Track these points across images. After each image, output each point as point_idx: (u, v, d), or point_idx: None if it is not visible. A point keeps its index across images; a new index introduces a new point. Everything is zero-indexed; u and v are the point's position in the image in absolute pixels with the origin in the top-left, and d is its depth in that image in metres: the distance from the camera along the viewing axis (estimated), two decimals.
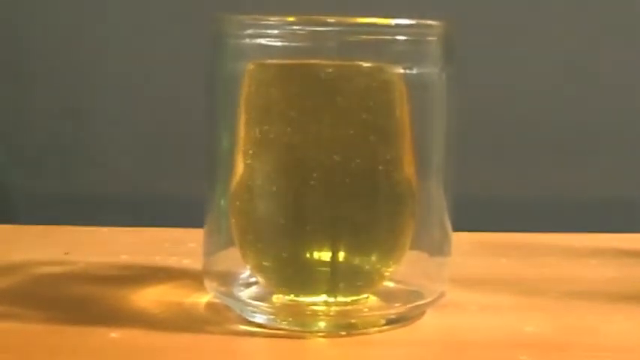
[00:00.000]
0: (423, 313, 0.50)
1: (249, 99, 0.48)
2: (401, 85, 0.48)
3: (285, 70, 0.48)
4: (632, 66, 0.77)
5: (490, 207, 0.75)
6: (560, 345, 0.47)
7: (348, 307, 0.49)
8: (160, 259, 0.60)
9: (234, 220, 0.49)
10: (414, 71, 0.48)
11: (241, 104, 0.48)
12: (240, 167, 0.48)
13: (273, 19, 0.48)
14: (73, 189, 0.77)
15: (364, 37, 0.47)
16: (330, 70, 0.47)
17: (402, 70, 0.48)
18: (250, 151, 0.48)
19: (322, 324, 0.48)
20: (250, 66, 0.48)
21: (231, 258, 0.50)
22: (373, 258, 0.48)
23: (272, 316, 0.48)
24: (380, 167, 0.48)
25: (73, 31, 0.76)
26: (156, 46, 0.75)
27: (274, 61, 0.48)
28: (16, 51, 0.77)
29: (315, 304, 0.48)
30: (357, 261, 0.48)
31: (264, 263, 0.48)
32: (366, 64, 0.48)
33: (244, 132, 0.48)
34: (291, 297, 0.49)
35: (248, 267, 0.50)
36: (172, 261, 0.60)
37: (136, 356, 0.45)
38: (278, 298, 0.49)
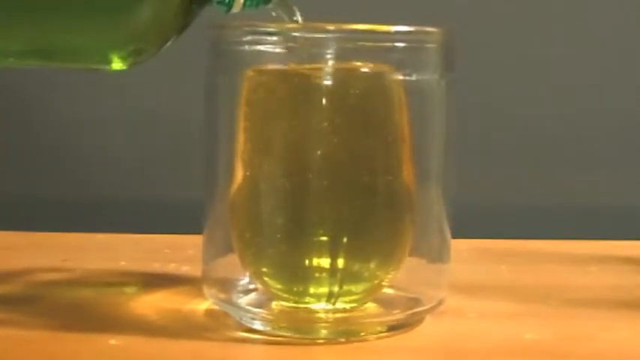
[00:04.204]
0: (422, 320, 0.50)
1: (248, 105, 0.48)
2: (400, 91, 0.48)
3: (284, 77, 0.48)
4: (635, 71, 0.77)
5: (489, 214, 0.75)
6: (560, 352, 0.47)
7: (348, 314, 0.49)
8: (158, 266, 0.60)
9: (233, 226, 0.49)
10: (413, 78, 0.48)
11: (240, 110, 0.48)
12: (239, 173, 0.48)
13: (272, 26, 0.48)
14: (71, 195, 0.77)
15: (363, 43, 0.47)
16: (329, 76, 0.47)
17: (401, 77, 0.48)
18: (249, 158, 0.48)
19: (321, 331, 0.48)
20: (249, 72, 0.48)
21: (231, 265, 0.50)
22: (372, 265, 0.48)
23: (271, 323, 0.48)
24: (379, 173, 0.48)
25: None
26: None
27: (273, 67, 0.48)
28: None
29: (314, 310, 0.48)
30: (356, 268, 0.48)
31: (263, 269, 0.48)
32: (365, 70, 0.48)
33: (243, 138, 0.48)
34: (291, 304, 0.49)
35: (247, 273, 0.50)
36: (171, 267, 0.60)
37: None
38: (277, 305, 0.49)
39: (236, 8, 0.48)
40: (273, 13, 0.49)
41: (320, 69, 0.47)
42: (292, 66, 0.48)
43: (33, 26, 0.45)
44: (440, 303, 0.50)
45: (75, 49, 0.47)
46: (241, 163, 0.48)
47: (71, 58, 0.48)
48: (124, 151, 0.78)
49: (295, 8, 0.49)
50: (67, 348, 0.46)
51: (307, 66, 0.48)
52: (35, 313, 0.50)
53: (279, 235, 0.47)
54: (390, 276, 0.49)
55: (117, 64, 0.47)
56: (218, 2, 0.48)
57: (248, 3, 0.48)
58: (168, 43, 0.47)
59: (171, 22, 0.46)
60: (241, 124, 0.48)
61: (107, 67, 0.47)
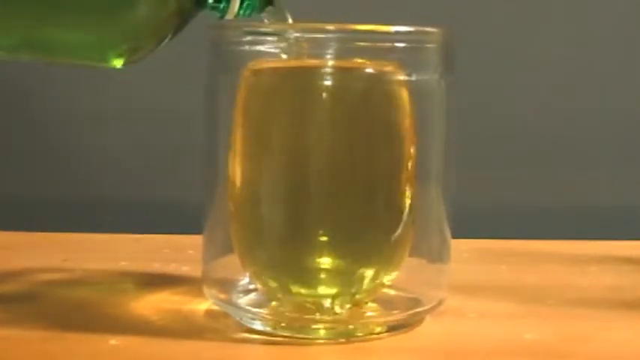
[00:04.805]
0: (422, 320, 0.50)
1: (246, 105, 0.48)
2: (401, 91, 0.48)
3: (283, 76, 0.48)
4: (635, 71, 0.77)
5: (489, 214, 0.75)
6: (560, 352, 0.47)
7: (348, 314, 0.48)
8: (159, 266, 0.60)
9: (233, 227, 0.49)
10: (413, 78, 0.48)
11: (239, 110, 0.48)
12: (238, 173, 0.48)
13: (272, 27, 0.48)
14: (71, 195, 0.77)
15: (363, 44, 0.47)
16: (329, 76, 0.47)
17: (402, 77, 0.48)
18: (248, 158, 0.48)
19: (321, 331, 0.48)
20: (247, 71, 0.48)
21: (231, 265, 0.50)
22: (372, 265, 0.48)
23: (271, 323, 0.48)
24: (379, 174, 0.48)
25: None
26: (156, 51, 0.75)
27: (271, 65, 0.48)
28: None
29: (314, 311, 0.48)
30: (356, 268, 0.48)
31: (263, 270, 0.48)
32: (366, 70, 0.48)
33: (242, 138, 0.48)
34: (290, 304, 0.49)
35: (247, 273, 0.50)
36: (171, 268, 0.60)
37: None
38: (277, 305, 0.49)
39: (230, 15, 0.48)
40: (266, 21, 0.49)
41: (320, 69, 0.47)
42: (291, 61, 0.48)
43: (29, 21, 0.45)
44: (440, 303, 0.50)
45: (70, 46, 0.47)
46: (240, 163, 0.48)
47: (65, 54, 0.48)
48: (124, 151, 0.78)
49: (288, 15, 0.49)
50: (67, 348, 0.46)
51: (307, 61, 0.48)
52: (35, 313, 0.50)
53: (278, 236, 0.47)
54: (390, 276, 0.49)
55: (112, 62, 0.47)
56: (212, 8, 0.48)
57: (241, 12, 0.48)
58: (165, 42, 0.47)
59: (167, 22, 0.47)
60: (240, 124, 0.48)
61: (102, 65, 0.47)
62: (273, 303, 0.49)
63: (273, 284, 0.49)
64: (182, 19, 0.47)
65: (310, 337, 0.47)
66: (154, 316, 0.50)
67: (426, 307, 0.49)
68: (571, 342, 0.48)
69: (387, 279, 0.49)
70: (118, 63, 0.47)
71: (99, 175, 0.78)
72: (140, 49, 0.47)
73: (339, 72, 0.47)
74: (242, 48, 0.49)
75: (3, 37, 0.46)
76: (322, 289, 0.48)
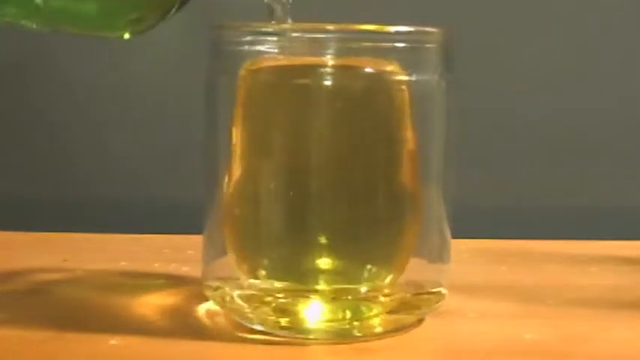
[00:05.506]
0: (421, 321, 0.50)
1: (245, 104, 0.48)
2: (402, 91, 0.48)
3: (282, 75, 0.48)
4: (635, 71, 0.77)
5: (490, 214, 0.75)
6: (560, 352, 0.47)
7: (347, 315, 0.48)
8: (159, 266, 0.60)
9: (230, 227, 0.49)
10: (413, 78, 0.48)
11: (238, 110, 0.48)
12: (236, 174, 0.48)
13: (272, 27, 0.48)
14: (71, 195, 0.77)
15: (363, 44, 0.47)
16: (329, 76, 0.47)
17: (403, 77, 0.48)
18: (246, 158, 0.48)
19: (321, 331, 0.48)
20: (245, 71, 0.48)
21: (230, 265, 0.50)
22: (372, 266, 0.48)
23: (271, 323, 0.48)
24: (380, 175, 0.48)
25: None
26: (156, 51, 0.75)
27: (270, 65, 0.48)
28: (18, 53, 0.77)
29: (313, 311, 0.48)
30: (355, 269, 0.48)
31: (262, 271, 0.48)
32: (366, 70, 0.48)
33: (241, 138, 0.48)
34: (290, 304, 0.49)
35: (245, 274, 0.50)
36: (172, 268, 0.60)
37: None
38: (276, 305, 0.49)
39: None
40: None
41: (320, 68, 0.47)
42: (290, 60, 0.48)
43: None
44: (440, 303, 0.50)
45: (76, 14, 0.47)
46: (238, 164, 0.48)
47: (72, 22, 0.48)
48: (124, 151, 0.78)
49: None
50: (67, 348, 0.46)
51: (307, 61, 0.48)
52: (35, 313, 0.50)
53: (278, 236, 0.47)
54: (391, 278, 0.49)
55: (119, 32, 0.47)
56: None
57: None
58: (171, 12, 0.47)
59: None
60: (239, 124, 0.48)
61: (109, 34, 0.47)
62: (273, 303, 0.49)
63: (271, 284, 0.49)
64: None
65: (310, 336, 0.47)
66: (154, 316, 0.50)
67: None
68: (571, 342, 0.48)
69: (388, 281, 0.49)
70: (125, 33, 0.47)
71: (99, 175, 0.78)
72: (146, 19, 0.46)
73: (339, 71, 0.47)
74: (242, 48, 0.49)
75: (9, 4, 0.46)
76: (320, 290, 0.48)
